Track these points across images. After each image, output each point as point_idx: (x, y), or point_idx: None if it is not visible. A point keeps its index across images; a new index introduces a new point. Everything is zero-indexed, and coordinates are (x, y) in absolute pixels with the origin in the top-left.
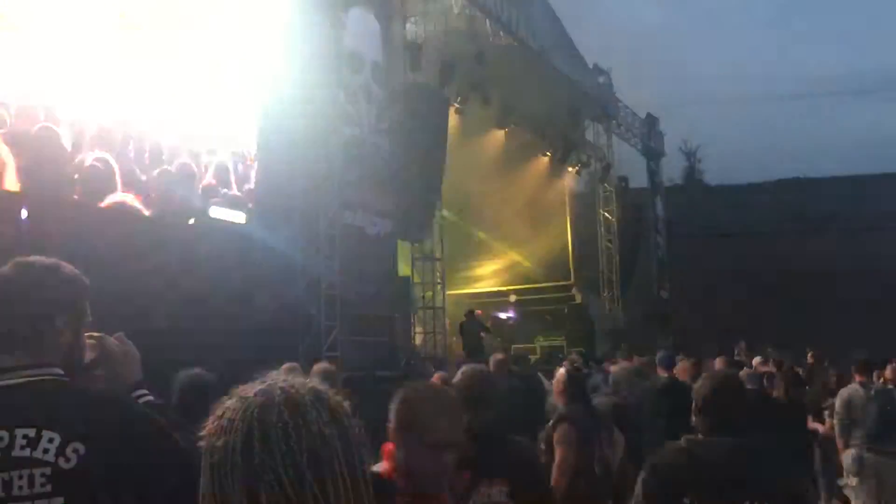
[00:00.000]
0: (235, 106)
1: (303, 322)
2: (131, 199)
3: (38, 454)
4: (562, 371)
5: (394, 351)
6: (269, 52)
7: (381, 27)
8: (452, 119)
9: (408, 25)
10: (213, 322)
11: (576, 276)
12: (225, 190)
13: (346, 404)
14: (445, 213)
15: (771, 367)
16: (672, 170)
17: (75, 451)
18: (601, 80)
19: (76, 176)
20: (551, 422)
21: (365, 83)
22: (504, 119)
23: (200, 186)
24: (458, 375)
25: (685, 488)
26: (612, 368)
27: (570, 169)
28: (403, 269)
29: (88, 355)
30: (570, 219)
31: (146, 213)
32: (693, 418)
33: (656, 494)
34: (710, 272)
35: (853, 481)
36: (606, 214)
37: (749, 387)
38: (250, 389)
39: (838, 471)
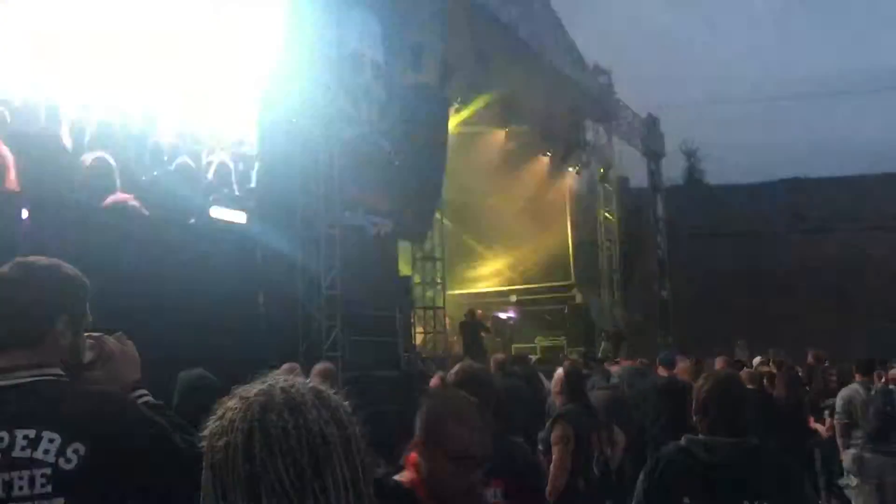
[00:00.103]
0: (236, 106)
1: (303, 322)
2: (131, 199)
3: (38, 455)
4: (560, 371)
5: (394, 351)
6: (269, 52)
7: (382, 27)
8: (452, 119)
9: (409, 26)
10: (213, 322)
11: (576, 276)
12: (226, 190)
13: (347, 404)
14: (446, 213)
15: (771, 367)
16: (672, 170)
17: (76, 451)
18: (602, 80)
19: (77, 176)
20: (549, 421)
21: (366, 83)
22: (505, 119)
23: (201, 186)
24: (453, 373)
25: (685, 488)
26: (614, 368)
27: (570, 169)
28: (404, 268)
29: (88, 355)
30: (571, 219)
31: (146, 213)
32: (693, 418)
33: (656, 494)
34: (711, 272)
35: (854, 481)
36: (607, 215)
37: (749, 387)
38: (251, 390)
39: (839, 471)
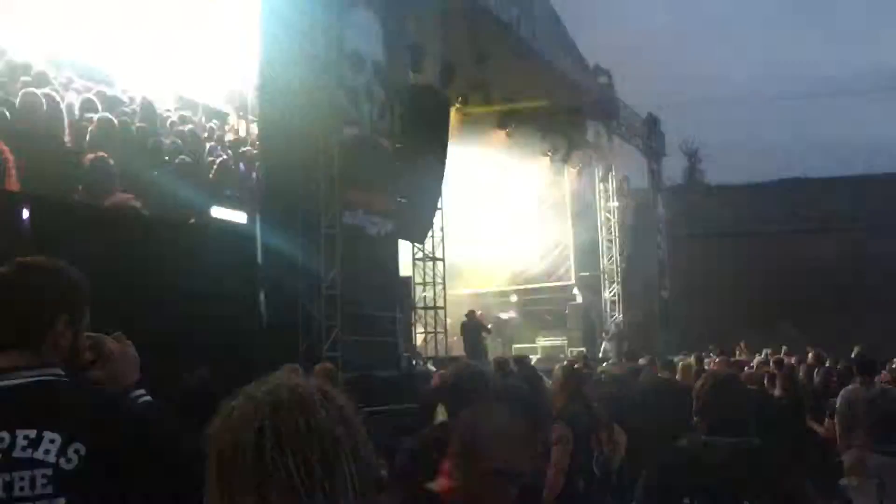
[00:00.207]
0: (237, 105)
1: (303, 322)
2: (132, 199)
3: (39, 455)
4: (559, 371)
5: (394, 351)
6: (270, 52)
7: (383, 27)
8: (453, 119)
9: (409, 26)
10: (213, 322)
11: (577, 276)
12: (226, 190)
13: (352, 405)
14: (446, 213)
15: (771, 367)
16: (673, 170)
17: (77, 451)
18: (602, 80)
19: (77, 176)
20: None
21: (366, 83)
22: (505, 119)
23: (201, 186)
24: (448, 373)
25: (685, 488)
26: (615, 369)
27: (571, 169)
28: (404, 269)
29: (87, 356)
30: (571, 219)
31: (147, 212)
32: (693, 418)
33: (656, 494)
34: (711, 272)
35: (854, 482)
36: (607, 214)
37: (749, 387)
38: (257, 389)
39: (839, 471)
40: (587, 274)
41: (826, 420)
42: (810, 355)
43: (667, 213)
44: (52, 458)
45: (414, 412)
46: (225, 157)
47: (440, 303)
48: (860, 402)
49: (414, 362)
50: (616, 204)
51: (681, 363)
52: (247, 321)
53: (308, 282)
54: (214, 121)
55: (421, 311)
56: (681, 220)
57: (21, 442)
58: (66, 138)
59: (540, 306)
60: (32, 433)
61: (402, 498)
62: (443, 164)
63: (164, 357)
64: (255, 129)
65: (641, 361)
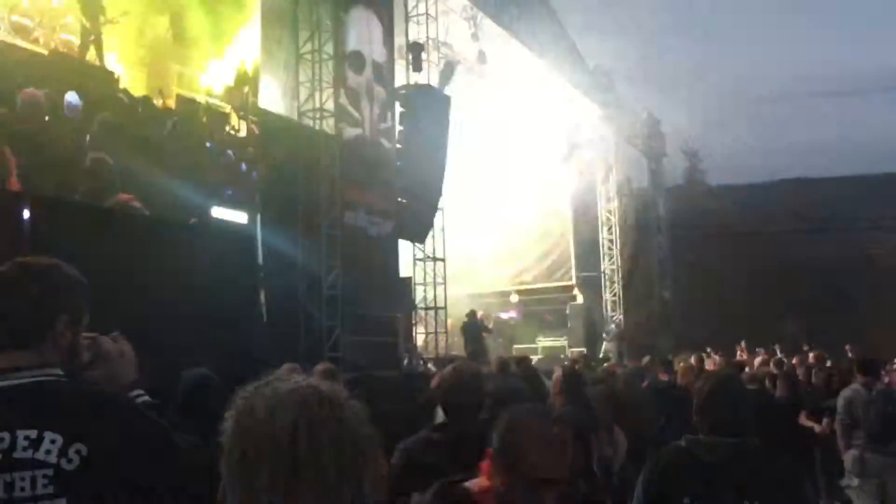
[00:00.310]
0: (237, 105)
1: (304, 322)
2: (133, 199)
3: (40, 455)
4: (558, 371)
5: (395, 351)
6: (271, 52)
7: (383, 27)
8: (454, 119)
9: (410, 25)
10: (213, 322)
11: (577, 276)
12: (227, 190)
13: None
14: (447, 213)
15: (772, 368)
16: (673, 170)
17: (77, 452)
18: (602, 80)
19: (78, 176)
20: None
21: (367, 83)
22: (506, 120)
23: (202, 186)
24: (445, 374)
25: (685, 488)
26: (616, 369)
27: (571, 169)
28: (405, 269)
29: (85, 356)
30: (572, 219)
31: (147, 212)
32: (693, 418)
33: (656, 494)
34: (712, 272)
35: (855, 482)
36: (608, 215)
37: (750, 387)
38: (274, 387)
39: (839, 471)
40: (588, 274)
41: (824, 420)
42: (811, 355)
43: (667, 214)
44: (53, 459)
45: (414, 413)
46: (225, 157)
47: (441, 303)
48: (861, 403)
49: (414, 362)
50: (617, 204)
51: (681, 363)
52: (247, 321)
53: (309, 282)
54: (215, 121)
55: (421, 312)
56: (681, 220)
57: (22, 442)
58: (67, 139)
59: (541, 306)
60: (33, 433)
61: (434, 493)
62: (443, 163)
63: (164, 357)
64: (255, 129)
65: (645, 362)
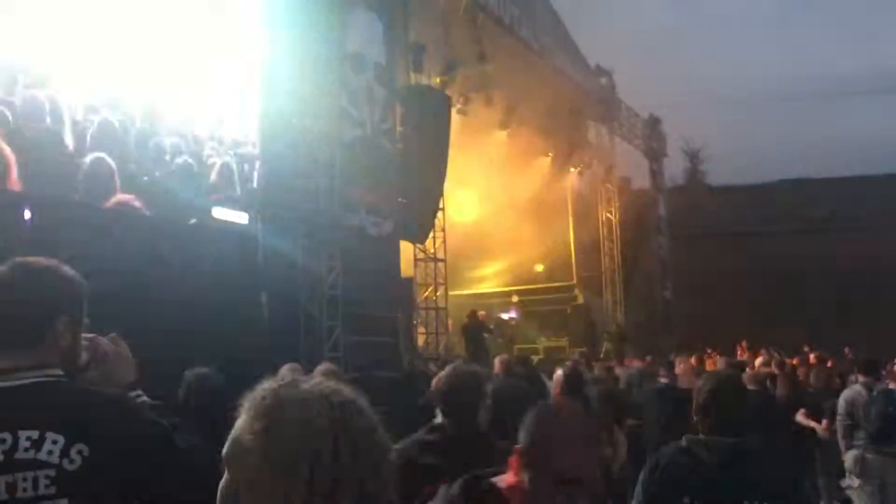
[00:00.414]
0: (238, 106)
1: (304, 322)
2: (133, 200)
3: (42, 456)
4: (560, 372)
5: (396, 352)
6: (271, 52)
7: (384, 28)
8: (455, 120)
9: (411, 27)
10: (214, 322)
11: (578, 276)
12: (228, 190)
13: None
14: (447, 213)
15: (773, 368)
16: (674, 170)
17: (79, 452)
18: (603, 80)
19: (79, 176)
20: None
21: (367, 84)
22: (506, 120)
23: (203, 187)
24: (442, 376)
25: (685, 488)
26: (618, 370)
27: (572, 170)
28: (405, 269)
29: (83, 356)
30: (573, 219)
31: (148, 213)
32: (694, 418)
33: (656, 494)
34: (712, 272)
35: (855, 482)
36: (608, 215)
37: (751, 388)
38: (303, 390)
39: (840, 471)
40: (589, 275)
41: (823, 420)
42: (812, 356)
43: (668, 214)
44: (55, 459)
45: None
46: (226, 157)
47: (441, 303)
48: (861, 403)
49: (415, 363)
50: (617, 204)
51: (682, 364)
52: (248, 322)
53: (309, 282)
54: (216, 121)
55: (422, 312)
56: (682, 220)
57: (24, 443)
58: (67, 139)
59: (541, 307)
60: (35, 434)
61: (461, 487)
62: (444, 164)
63: (165, 357)
64: (256, 129)
65: (648, 362)
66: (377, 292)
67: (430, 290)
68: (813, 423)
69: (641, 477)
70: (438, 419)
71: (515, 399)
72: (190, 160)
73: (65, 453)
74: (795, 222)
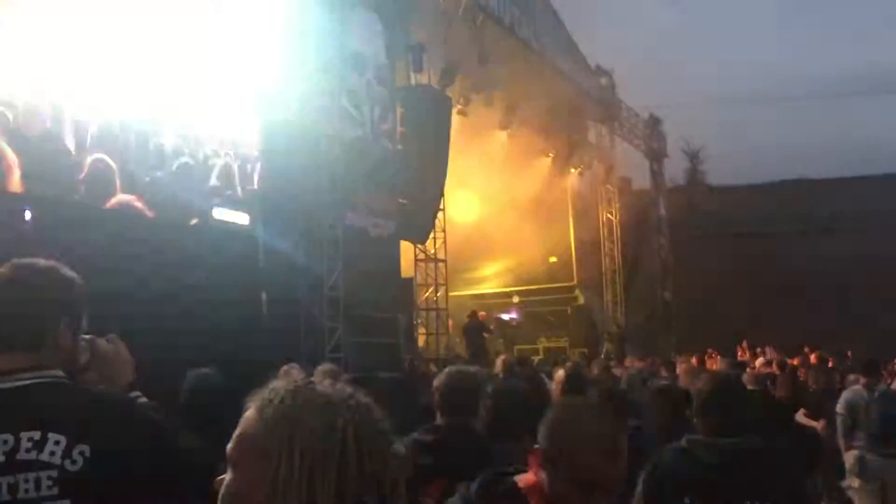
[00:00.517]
0: (239, 107)
1: (305, 323)
2: (134, 201)
3: (44, 457)
4: (561, 372)
5: (396, 352)
6: (272, 53)
7: (385, 28)
8: (455, 120)
9: (411, 27)
10: (215, 322)
11: (578, 277)
12: (228, 191)
13: None
14: (448, 214)
15: (774, 369)
16: (674, 171)
17: (81, 453)
18: (603, 81)
19: (79, 177)
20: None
21: (368, 84)
22: (507, 120)
23: (204, 188)
24: (440, 379)
25: (686, 489)
26: (618, 372)
27: (572, 170)
28: (406, 270)
29: (82, 358)
30: (573, 220)
31: (149, 214)
32: (693, 419)
33: (657, 495)
34: (713, 273)
35: (856, 483)
36: (609, 215)
37: (752, 388)
38: (322, 394)
39: (840, 472)
40: (589, 275)
41: (822, 420)
42: (812, 356)
43: (668, 214)
44: (57, 460)
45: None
46: (227, 158)
47: (442, 304)
48: (862, 404)
49: (416, 363)
50: (618, 205)
51: (682, 364)
52: (249, 323)
53: (310, 283)
54: (216, 122)
55: (423, 312)
56: (682, 221)
57: (26, 444)
58: (68, 140)
59: (542, 307)
60: (37, 435)
61: (480, 485)
62: (444, 165)
63: (166, 357)
64: (257, 130)
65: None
66: (378, 293)
67: (430, 290)
68: (814, 424)
69: (642, 477)
70: (439, 420)
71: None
72: (190, 161)
73: (67, 454)
74: (795, 222)
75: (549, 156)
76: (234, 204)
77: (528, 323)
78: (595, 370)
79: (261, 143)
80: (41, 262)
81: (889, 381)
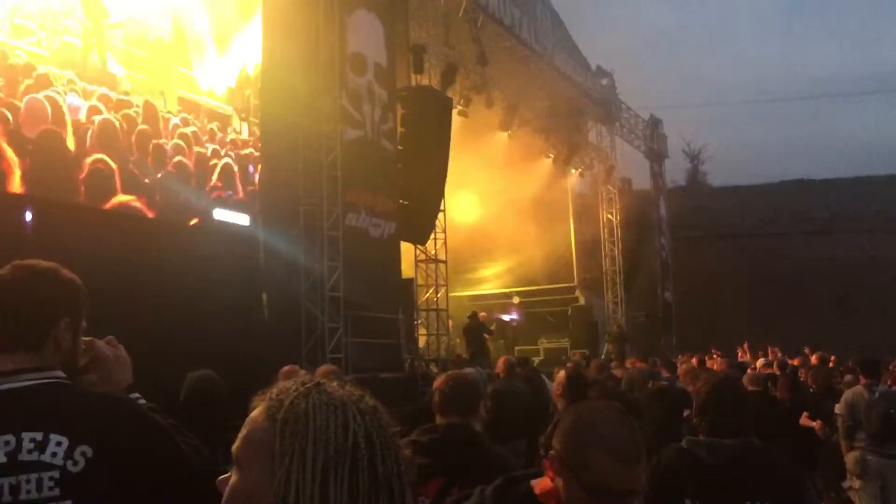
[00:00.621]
0: (239, 107)
1: (306, 323)
2: (135, 201)
3: (46, 458)
4: (561, 373)
5: (397, 353)
6: (272, 53)
7: (385, 29)
8: (455, 121)
9: (411, 27)
10: (216, 323)
11: (579, 277)
12: (229, 192)
13: None
14: (449, 215)
15: (774, 369)
16: (675, 171)
17: (83, 454)
18: (604, 82)
19: (80, 178)
20: (551, 425)
21: (368, 85)
22: (507, 121)
23: (204, 188)
24: (439, 383)
25: (686, 489)
26: (619, 372)
27: (573, 171)
28: (406, 270)
29: (81, 359)
30: (574, 220)
31: (149, 214)
32: (693, 419)
33: (657, 495)
34: (713, 273)
35: (856, 483)
36: (609, 216)
37: (752, 388)
38: (338, 397)
39: (841, 473)
40: (589, 276)
41: (818, 420)
42: (813, 357)
43: (669, 215)
44: (58, 461)
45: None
46: (227, 159)
47: (442, 304)
48: (862, 404)
49: (416, 364)
50: (618, 205)
51: (683, 364)
52: (249, 323)
53: (310, 284)
54: (216, 123)
55: (423, 313)
56: (683, 221)
57: (27, 445)
58: (69, 140)
59: (542, 308)
60: (38, 436)
61: (495, 489)
62: (445, 165)
63: (167, 357)
64: (257, 131)
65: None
66: (378, 293)
67: (431, 291)
68: (814, 424)
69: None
70: (438, 420)
71: (516, 400)
72: (191, 162)
73: (68, 455)
74: (796, 223)
75: (549, 156)
76: (235, 204)
77: (528, 323)
78: (593, 371)
79: (262, 144)
80: (41, 263)
81: (889, 381)
